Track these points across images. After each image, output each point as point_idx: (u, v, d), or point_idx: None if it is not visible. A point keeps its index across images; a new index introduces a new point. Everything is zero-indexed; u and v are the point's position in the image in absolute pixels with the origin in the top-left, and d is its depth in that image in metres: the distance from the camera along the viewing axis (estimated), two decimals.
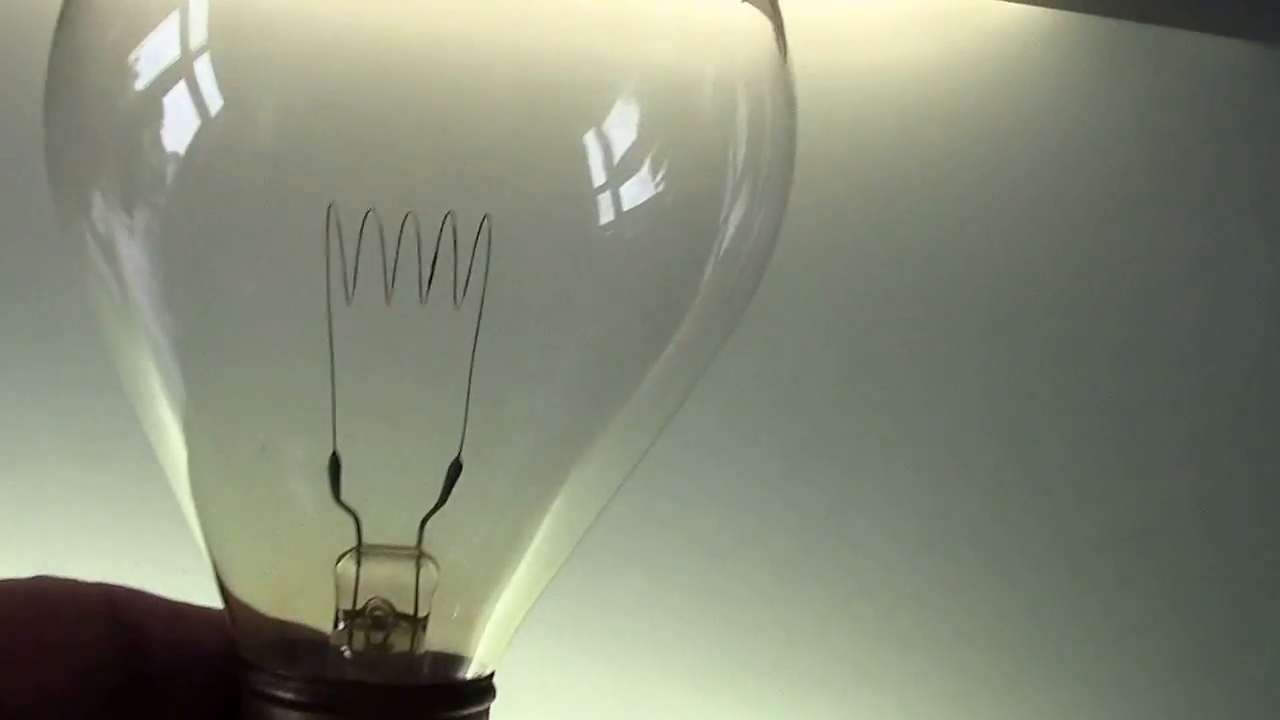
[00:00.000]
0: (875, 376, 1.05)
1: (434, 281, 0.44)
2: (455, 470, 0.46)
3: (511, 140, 0.44)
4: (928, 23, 1.02)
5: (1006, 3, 0.98)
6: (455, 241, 0.44)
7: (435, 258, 0.44)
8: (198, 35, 0.43)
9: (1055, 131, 1.03)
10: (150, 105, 0.42)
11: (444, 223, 0.43)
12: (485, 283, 0.44)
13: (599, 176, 0.44)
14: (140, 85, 0.43)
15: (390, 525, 0.46)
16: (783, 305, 1.03)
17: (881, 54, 1.01)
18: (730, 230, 0.47)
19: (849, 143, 1.01)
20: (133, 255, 0.44)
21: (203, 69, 0.43)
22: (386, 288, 0.44)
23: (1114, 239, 1.05)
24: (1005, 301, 1.05)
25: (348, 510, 0.45)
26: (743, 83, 0.47)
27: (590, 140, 0.44)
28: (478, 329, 0.45)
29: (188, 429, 0.45)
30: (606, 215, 0.45)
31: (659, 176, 0.45)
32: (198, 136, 0.43)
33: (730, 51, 0.47)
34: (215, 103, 0.43)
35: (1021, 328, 1.04)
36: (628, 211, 0.44)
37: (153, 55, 0.42)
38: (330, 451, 0.45)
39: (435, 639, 0.46)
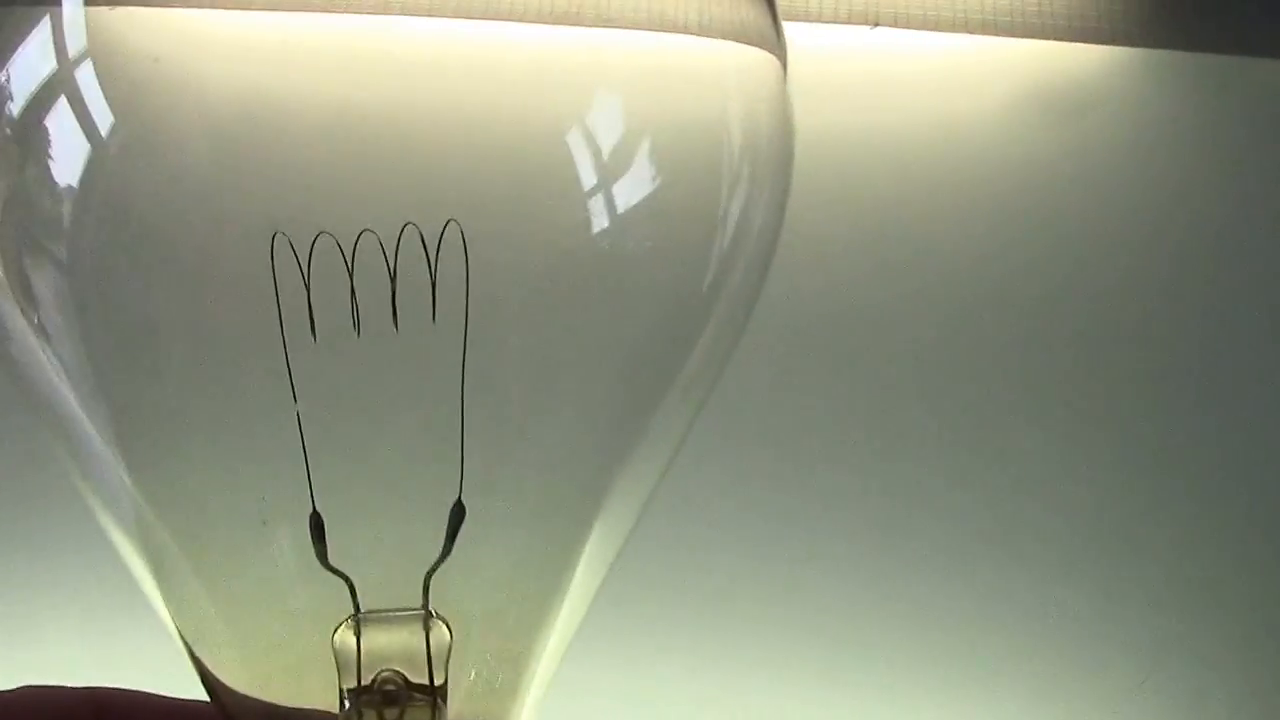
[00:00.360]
0: None
1: (404, 304, 0.39)
2: (458, 515, 0.40)
3: (475, 139, 0.39)
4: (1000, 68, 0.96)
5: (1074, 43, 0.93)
6: (428, 257, 0.38)
7: (393, 274, 0.38)
8: (75, 40, 0.37)
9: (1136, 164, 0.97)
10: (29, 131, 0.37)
11: (400, 236, 0.38)
12: (467, 298, 0.39)
13: (587, 179, 0.39)
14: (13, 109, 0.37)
15: (390, 586, 0.40)
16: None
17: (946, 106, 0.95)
18: (729, 228, 0.41)
19: (928, 189, 0.94)
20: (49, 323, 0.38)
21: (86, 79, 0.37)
22: (354, 316, 0.38)
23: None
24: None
25: (338, 574, 0.40)
26: (732, 75, 0.41)
27: (573, 138, 0.39)
28: (464, 349, 0.39)
29: (137, 508, 0.40)
30: (600, 221, 0.39)
31: (650, 174, 0.39)
32: (90, 166, 0.37)
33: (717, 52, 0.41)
34: (105, 121, 0.37)
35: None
36: (620, 214, 0.39)
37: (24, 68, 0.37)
38: (309, 510, 0.39)
39: (457, 708, 0.41)
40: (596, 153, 0.39)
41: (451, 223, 0.38)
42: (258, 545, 0.40)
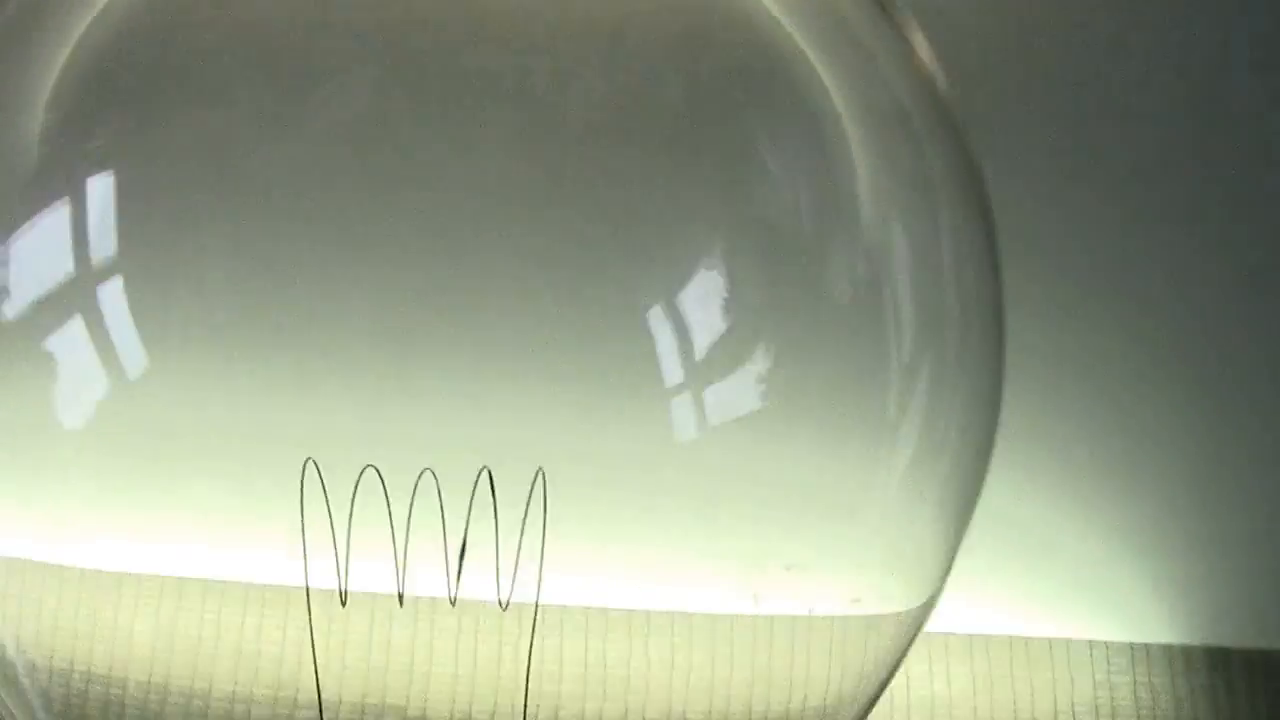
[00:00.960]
0: None
1: (466, 570, 0.32)
2: None
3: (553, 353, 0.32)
4: None
5: None
6: (495, 512, 0.31)
7: (465, 542, 0.31)
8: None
9: None
10: None
11: (477, 482, 0.31)
12: (541, 569, 0.32)
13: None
14: None
15: None
16: None
17: None
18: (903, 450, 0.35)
19: None
20: None
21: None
22: (399, 581, 0.32)
23: None
24: None
25: None
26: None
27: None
28: (532, 643, 0.32)
29: None
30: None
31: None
32: None
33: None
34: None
35: None
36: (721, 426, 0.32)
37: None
38: None
39: None
40: None
41: (540, 473, 0.32)
42: None
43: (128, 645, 0.37)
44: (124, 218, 0.32)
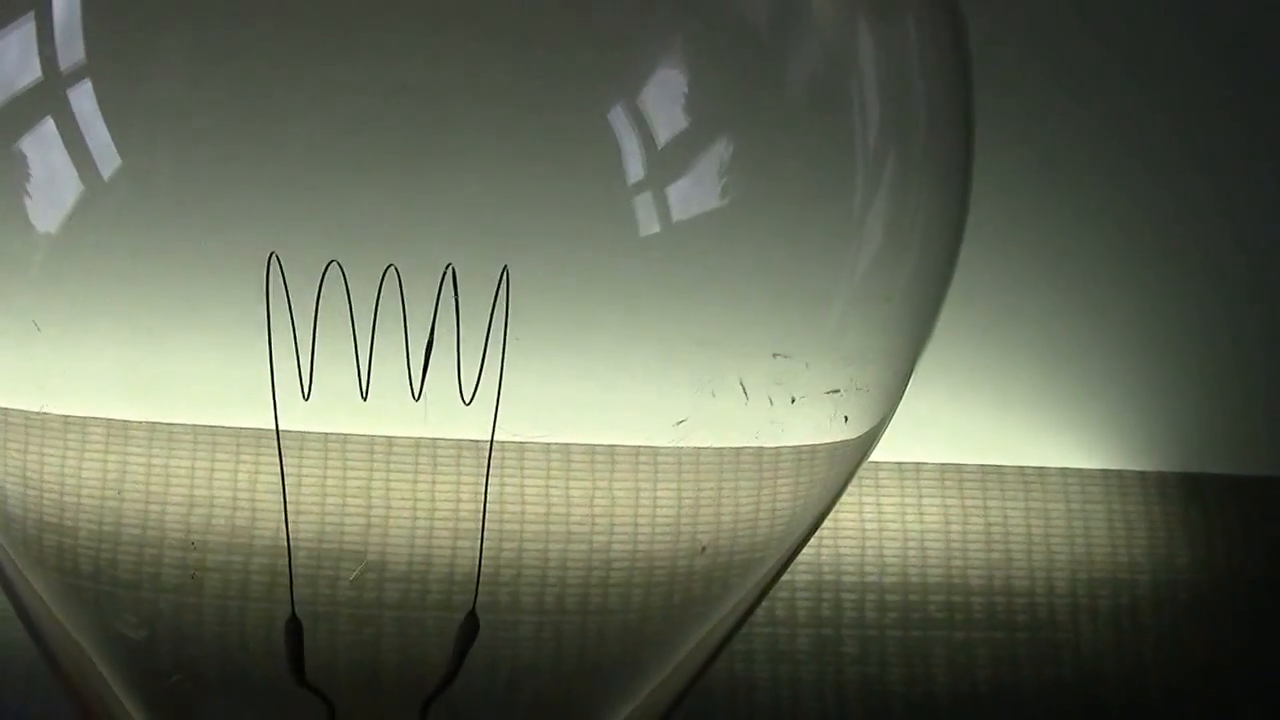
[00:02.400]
0: None
1: (430, 366, 0.34)
2: (469, 631, 0.35)
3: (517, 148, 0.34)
4: None
5: None
6: (457, 306, 0.33)
7: (432, 334, 0.33)
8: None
9: None
10: None
11: (443, 279, 0.33)
12: (502, 365, 0.33)
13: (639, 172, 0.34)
14: None
15: (379, 711, 0.35)
16: None
17: None
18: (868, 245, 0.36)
19: None
20: None
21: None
22: (360, 377, 0.33)
23: None
24: None
25: (316, 693, 0.34)
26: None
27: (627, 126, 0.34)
28: (493, 432, 0.34)
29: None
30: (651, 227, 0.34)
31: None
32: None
33: None
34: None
35: None
36: (691, 220, 0.34)
37: None
38: (287, 615, 0.34)
39: None
40: None
41: (505, 272, 0.33)
42: (220, 648, 0.35)
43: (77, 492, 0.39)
44: (90, 22, 0.34)
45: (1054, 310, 0.83)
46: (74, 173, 0.33)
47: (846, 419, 0.39)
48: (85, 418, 0.37)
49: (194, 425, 0.38)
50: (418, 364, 0.33)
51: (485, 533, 0.35)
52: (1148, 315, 0.84)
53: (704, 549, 0.39)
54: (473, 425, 0.34)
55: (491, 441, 0.34)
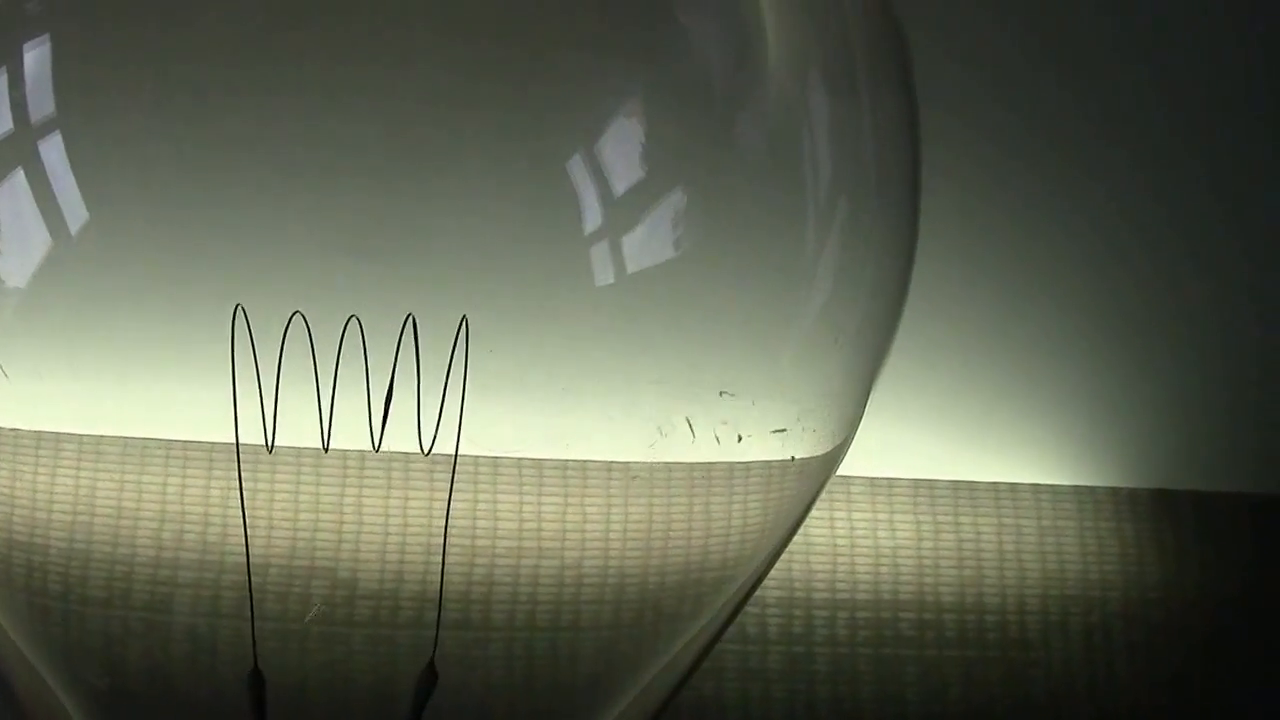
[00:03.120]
0: None
1: (390, 418, 0.35)
2: (428, 682, 0.36)
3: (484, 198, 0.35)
4: None
5: None
6: (417, 357, 0.34)
7: (391, 386, 0.34)
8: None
9: None
10: None
11: (403, 329, 0.34)
12: (461, 416, 0.35)
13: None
14: None
15: None
16: None
17: None
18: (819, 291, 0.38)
19: None
20: None
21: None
22: (322, 429, 0.35)
23: None
24: None
25: None
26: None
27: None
28: (452, 483, 0.35)
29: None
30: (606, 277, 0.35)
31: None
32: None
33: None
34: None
35: None
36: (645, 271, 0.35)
37: None
38: (251, 667, 0.35)
39: None
40: None
41: (464, 321, 0.35)
42: (185, 702, 0.36)
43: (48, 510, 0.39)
44: (60, 77, 0.35)
45: (1025, 326, 0.83)
46: (43, 226, 0.34)
47: (794, 458, 0.40)
48: (58, 433, 0.38)
49: (166, 440, 0.39)
50: (379, 414, 0.35)
51: (445, 577, 0.37)
52: (1119, 330, 0.84)
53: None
54: (432, 483, 0.36)
55: (451, 490, 0.35)
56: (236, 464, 0.34)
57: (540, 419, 0.38)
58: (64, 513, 0.39)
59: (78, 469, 0.39)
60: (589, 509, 0.40)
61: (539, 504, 0.40)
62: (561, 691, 0.41)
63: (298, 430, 0.35)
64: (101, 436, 0.39)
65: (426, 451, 0.35)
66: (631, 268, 0.36)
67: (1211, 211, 0.85)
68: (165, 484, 0.39)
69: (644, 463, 0.39)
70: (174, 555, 0.39)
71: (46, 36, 0.35)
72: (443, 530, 0.37)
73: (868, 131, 0.40)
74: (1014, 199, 0.82)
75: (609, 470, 0.40)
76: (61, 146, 0.34)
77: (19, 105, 0.35)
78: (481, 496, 0.38)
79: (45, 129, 0.35)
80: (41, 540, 0.39)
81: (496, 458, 0.38)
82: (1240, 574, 0.84)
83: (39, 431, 0.39)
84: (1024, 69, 0.81)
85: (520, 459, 0.39)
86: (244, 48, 0.35)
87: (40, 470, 0.39)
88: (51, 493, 0.39)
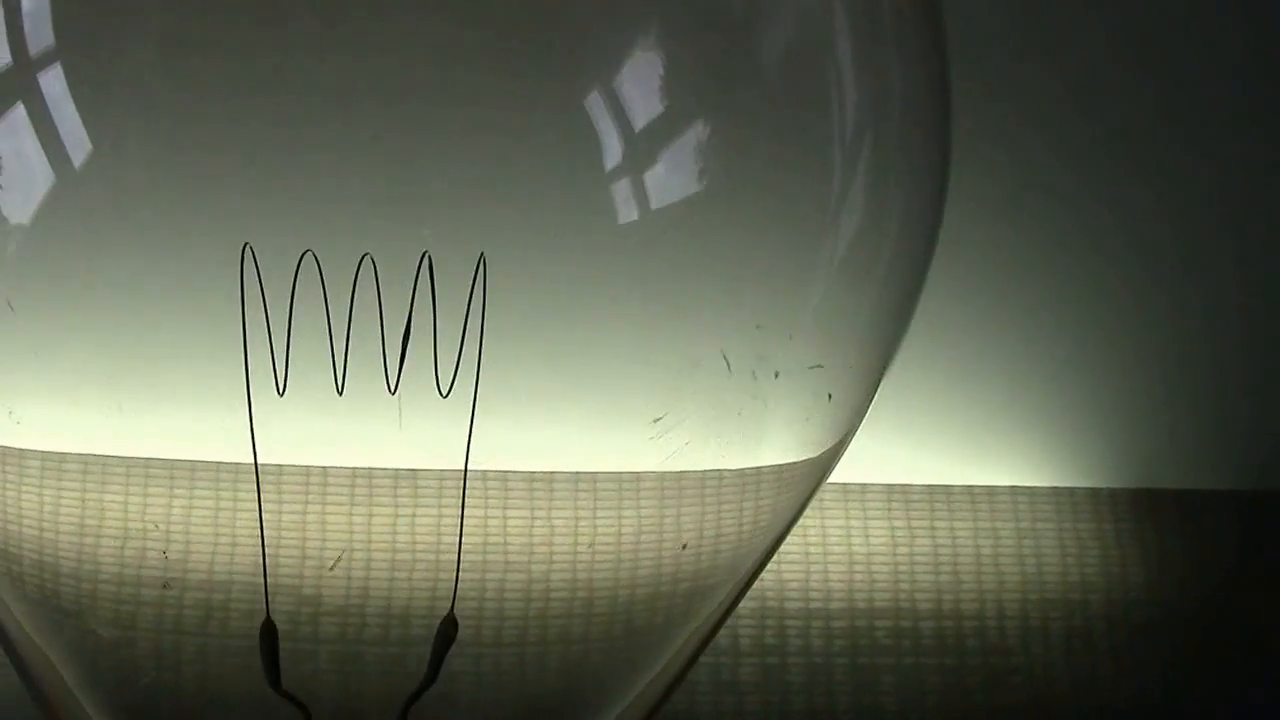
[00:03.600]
0: None
1: (407, 358, 0.34)
2: (448, 633, 0.35)
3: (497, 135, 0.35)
4: None
5: None
6: (433, 295, 0.34)
7: (409, 325, 0.34)
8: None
9: None
10: None
11: (419, 267, 0.34)
12: (480, 357, 0.34)
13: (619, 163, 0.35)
14: None
15: (358, 716, 0.35)
16: None
17: None
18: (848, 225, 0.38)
19: None
20: None
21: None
22: (335, 370, 0.34)
23: None
24: None
25: (292, 700, 0.35)
26: None
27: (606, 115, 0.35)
28: (471, 427, 0.35)
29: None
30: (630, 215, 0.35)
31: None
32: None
33: None
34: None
35: None
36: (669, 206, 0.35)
37: None
38: (263, 618, 0.35)
39: None
40: None
41: (481, 259, 0.34)
42: (194, 657, 0.36)
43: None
44: (59, 8, 0.35)
45: (1000, 324, 0.84)
46: (45, 161, 0.34)
47: (830, 396, 0.40)
48: (62, 453, 0.38)
49: (171, 460, 0.38)
50: (395, 355, 0.34)
51: (464, 541, 0.36)
52: (1097, 328, 0.85)
53: (685, 546, 0.40)
54: (448, 420, 0.35)
55: (470, 433, 0.35)
56: (248, 409, 0.34)
57: (562, 367, 0.38)
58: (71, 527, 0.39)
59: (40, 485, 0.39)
60: (556, 521, 0.40)
61: (550, 516, 0.40)
62: (537, 706, 0.40)
63: (309, 379, 0.35)
64: (64, 454, 0.39)
65: (445, 393, 0.34)
66: (655, 203, 0.36)
67: (1193, 210, 0.85)
68: (171, 496, 0.39)
69: (612, 473, 0.39)
70: (184, 549, 0.39)
71: None
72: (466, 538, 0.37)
73: (893, 54, 0.40)
74: (991, 195, 0.83)
75: (576, 480, 0.40)
76: (63, 79, 0.34)
77: (17, 37, 0.34)
78: (491, 513, 0.38)
79: (45, 61, 0.34)
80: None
81: (506, 472, 0.37)
82: (1225, 573, 0.84)
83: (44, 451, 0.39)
84: (1006, 67, 0.81)
85: (532, 473, 0.39)
86: None
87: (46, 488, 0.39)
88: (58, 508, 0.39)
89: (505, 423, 0.36)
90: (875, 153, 0.39)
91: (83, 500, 0.38)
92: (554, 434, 0.39)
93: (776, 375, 0.39)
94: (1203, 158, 0.85)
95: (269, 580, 0.35)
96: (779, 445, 0.41)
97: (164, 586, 0.37)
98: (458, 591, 0.36)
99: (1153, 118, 0.85)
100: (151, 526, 0.37)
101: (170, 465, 0.37)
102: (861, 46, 0.39)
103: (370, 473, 0.38)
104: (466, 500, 0.37)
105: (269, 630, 0.35)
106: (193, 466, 0.37)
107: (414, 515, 0.38)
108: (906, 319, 0.42)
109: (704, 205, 0.36)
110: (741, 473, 0.40)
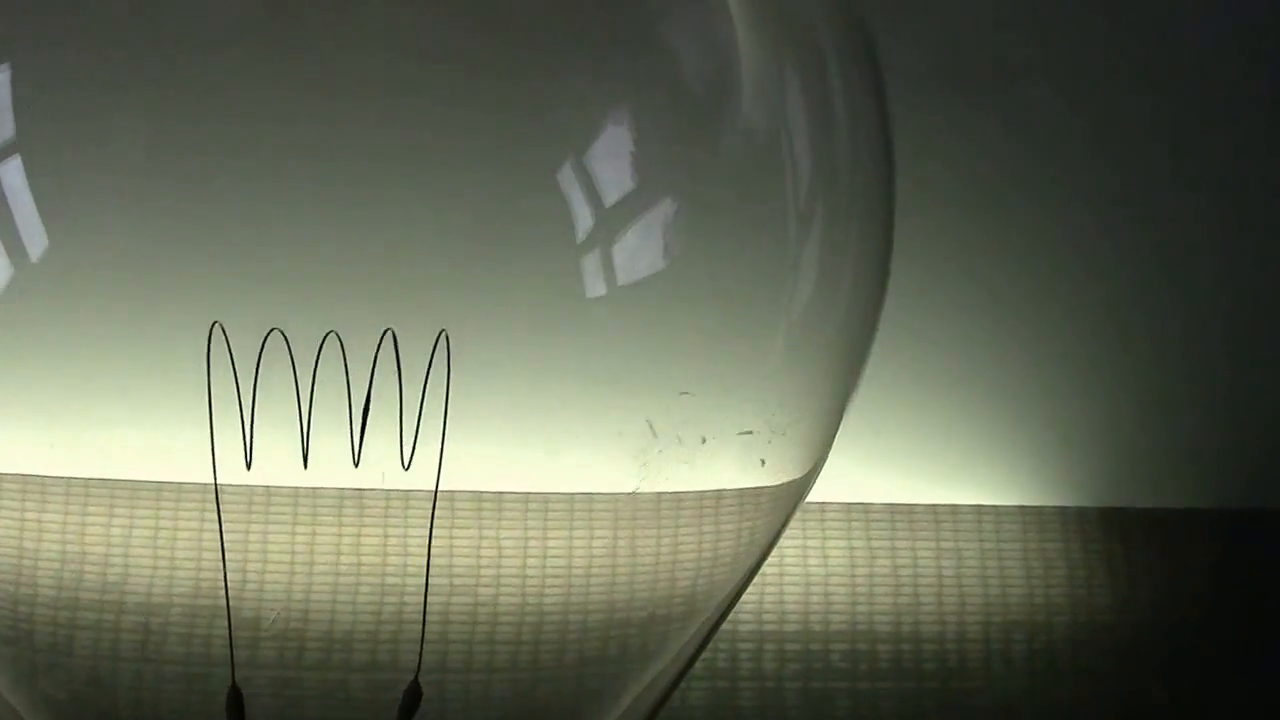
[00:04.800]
0: None
1: (371, 433, 0.37)
2: (412, 698, 0.38)
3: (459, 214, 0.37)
4: None
5: None
6: (399, 371, 0.36)
7: (368, 400, 0.36)
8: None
9: None
10: None
11: (380, 343, 0.36)
12: (444, 429, 0.37)
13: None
14: None
15: None
16: None
17: None
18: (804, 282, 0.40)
19: None
20: None
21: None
22: (303, 443, 0.37)
23: None
24: None
25: None
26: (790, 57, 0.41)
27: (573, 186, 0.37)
28: (435, 500, 0.37)
29: None
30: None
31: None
32: None
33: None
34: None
35: None
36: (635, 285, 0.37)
37: None
38: (229, 684, 0.37)
39: None
40: None
41: (442, 334, 0.36)
42: None
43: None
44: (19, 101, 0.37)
45: (968, 338, 0.85)
46: (2, 253, 0.36)
47: (763, 462, 0.42)
48: (44, 476, 0.40)
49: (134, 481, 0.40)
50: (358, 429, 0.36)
51: (429, 596, 0.38)
52: (1064, 342, 0.85)
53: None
54: (415, 497, 0.37)
55: (434, 504, 0.37)
56: (214, 486, 0.36)
57: (528, 429, 0.40)
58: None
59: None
60: (550, 542, 0.41)
61: (498, 537, 0.41)
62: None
63: (276, 453, 0.36)
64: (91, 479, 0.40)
65: (406, 465, 0.37)
66: (622, 279, 0.38)
67: (1170, 225, 0.86)
68: (157, 526, 0.40)
69: (608, 494, 0.41)
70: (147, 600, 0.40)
71: (7, 65, 0.37)
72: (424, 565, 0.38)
73: (843, 132, 0.42)
74: (963, 209, 0.83)
75: (571, 503, 0.41)
76: (21, 170, 0.36)
77: None
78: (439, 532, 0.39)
79: (4, 153, 0.36)
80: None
81: (452, 491, 0.39)
82: (1193, 595, 0.85)
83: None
84: (990, 82, 0.82)
85: (480, 493, 0.41)
86: (221, 54, 0.37)
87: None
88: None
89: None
90: (827, 217, 0.41)
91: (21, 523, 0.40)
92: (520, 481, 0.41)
93: (703, 441, 0.41)
94: (1183, 175, 0.86)
95: (233, 641, 0.37)
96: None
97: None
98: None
99: (1135, 142, 0.86)
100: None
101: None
102: (813, 120, 0.42)
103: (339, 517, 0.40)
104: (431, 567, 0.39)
105: (235, 697, 0.37)
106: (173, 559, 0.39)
107: (382, 578, 0.40)
108: (851, 389, 0.44)
109: (668, 278, 0.39)
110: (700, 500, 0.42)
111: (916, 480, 0.84)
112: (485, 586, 0.42)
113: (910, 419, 0.84)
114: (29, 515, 0.41)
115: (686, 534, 0.42)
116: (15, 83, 0.36)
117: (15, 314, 0.37)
